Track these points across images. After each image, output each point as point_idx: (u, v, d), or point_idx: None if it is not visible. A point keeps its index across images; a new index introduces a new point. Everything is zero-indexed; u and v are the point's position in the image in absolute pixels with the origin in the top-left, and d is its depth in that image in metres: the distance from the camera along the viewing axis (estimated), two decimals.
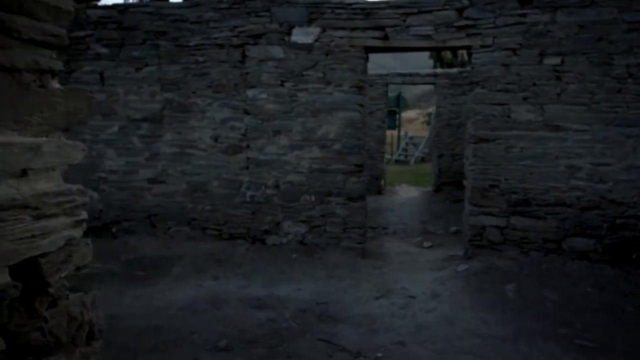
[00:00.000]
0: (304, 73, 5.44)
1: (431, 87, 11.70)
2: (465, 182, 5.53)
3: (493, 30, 5.01)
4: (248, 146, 5.65)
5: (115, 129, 5.96)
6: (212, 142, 5.74)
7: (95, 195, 6.07)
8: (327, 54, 5.40)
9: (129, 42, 5.82)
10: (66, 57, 5.96)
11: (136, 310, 4.19)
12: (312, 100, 5.45)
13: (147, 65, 5.81)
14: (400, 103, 20.33)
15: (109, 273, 5.16)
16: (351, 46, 5.36)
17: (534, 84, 4.95)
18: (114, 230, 6.05)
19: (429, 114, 31.38)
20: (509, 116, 5.03)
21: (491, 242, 5.08)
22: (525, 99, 4.98)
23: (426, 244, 6.40)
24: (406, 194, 11.11)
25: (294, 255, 5.30)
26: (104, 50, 5.89)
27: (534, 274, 4.50)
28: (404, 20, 5.18)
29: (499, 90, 5.04)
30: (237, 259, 5.32)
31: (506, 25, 4.99)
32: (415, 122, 35.63)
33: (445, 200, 9.71)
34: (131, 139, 5.93)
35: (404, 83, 11.50)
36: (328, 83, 5.42)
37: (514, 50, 4.98)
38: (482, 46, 5.05)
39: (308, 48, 5.41)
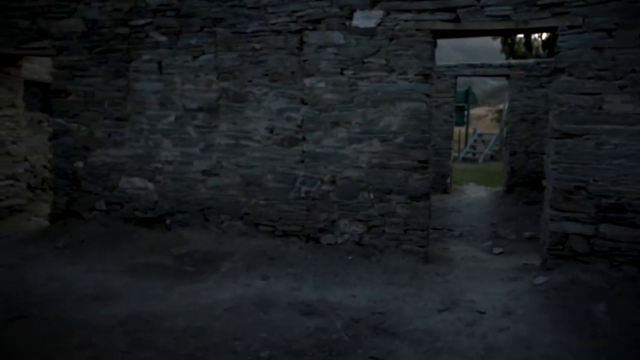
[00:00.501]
0: (365, 60, 5.03)
1: (502, 83, 10.92)
2: (544, 183, 4.90)
3: (584, 8, 4.36)
4: (304, 138, 5.32)
5: (172, 118, 5.83)
6: (267, 134, 5.46)
7: (151, 186, 5.98)
8: (390, 39, 4.95)
9: (187, 29, 5.66)
10: (127, 46, 5.91)
11: (181, 309, 3.98)
12: (373, 89, 5.02)
13: (204, 53, 5.62)
14: (469, 98, 19.32)
15: (160, 266, 5.03)
16: (417, 30, 4.88)
17: (633, 71, 4.25)
18: (168, 222, 5.94)
19: (499, 111, 29.87)
20: (600, 108, 4.36)
21: (575, 253, 4.44)
22: (621, 87, 4.29)
23: (496, 250, 5.80)
24: (474, 194, 10.40)
25: (350, 257, 4.92)
26: (162, 39, 5.76)
27: (628, 293, 3.85)
28: (478, 0, 4.63)
29: (589, 78, 4.38)
30: (289, 257, 5.01)
31: (599, 3, 4.31)
32: (484, 119, 34.11)
33: (518, 202, 8.95)
34: (187, 129, 5.78)
35: (474, 75, 10.75)
36: (391, 71, 4.97)
37: (609, 31, 4.30)
38: (570, 27, 4.40)
39: (370, 33, 4.99)
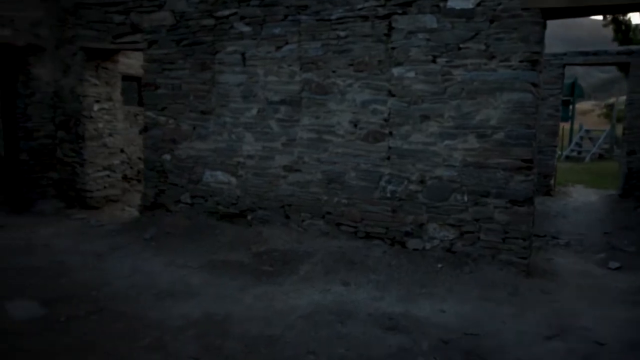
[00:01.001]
0: (461, 46, 4.50)
1: (612, 75, 9.63)
2: None
3: None
4: (390, 133, 4.90)
5: (254, 112, 5.67)
6: (351, 128, 5.11)
7: (233, 180, 5.89)
8: (491, 21, 4.37)
9: (271, 18, 5.45)
10: (212, 38, 5.84)
11: (254, 313, 3.76)
12: (469, 78, 4.48)
13: (287, 43, 5.39)
14: (575, 91, 17.59)
15: (238, 264, 4.88)
16: (524, 9, 4.26)
17: None
18: (249, 218, 5.81)
19: (609, 106, 27.07)
20: None
21: None
22: None
23: (613, 265, 5.01)
24: (582, 197, 9.32)
25: (439, 265, 4.44)
26: (246, 29, 5.62)
27: None
28: None
29: None
30: (371, 262, 4.64)
31: None
32: (590, 114, 31.18)
33: (637, 208, 7.83)
34: (269, 123, 5.59)
35: (585, 63, 9.63)
36: (491, 57, 4.39)
37: None
38: None
39: (468, 14, 4.44)
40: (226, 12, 5.71)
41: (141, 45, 6.35)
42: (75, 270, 4.84)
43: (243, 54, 5.67)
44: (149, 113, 6.43)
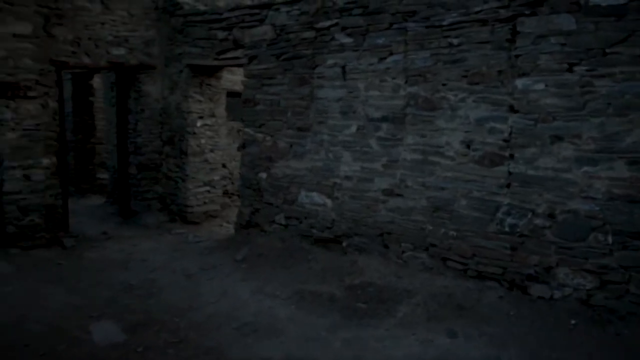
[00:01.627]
0: (607, 50, 3.63)
1: None
2: None
3: None
4: (511, 156, 4.14)
5: (353, 129, 5.21)
6: (463, 149, 4.42)
7: (329, 202, 5.46)
8: None
9: (374, 27, 4.97)
10: (311, 51, 5.51)
11: None
12: (618, 91, 3.60)
13: (391, 53, 4.87)
14: None
15: (329, 298, 4.42)
16: None
17: None
18: (344, 244, 5.33)
19: None
20: None
21: None
22: None
23: None
24: None
25: (573, 322, 3.58)
26: (347, 40, 5.19)
27: None
28: None
29: None
30: (484, 309, 3.90)
31: None
32: None
33: None
34: (369, 142, 5.09)
35: None
36: None
37: None
38: None
39: (618, 12, 3.58)
40: (327, 23, 5.34)
41: (242, 60, 6.22)
42: (165, 289, 4.72)
43: (343, 67, 5.25)
44: (247, 129, 6.26)
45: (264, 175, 6.09)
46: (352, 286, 4.59)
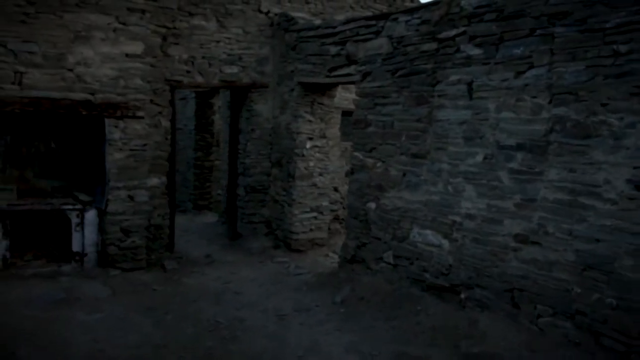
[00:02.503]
0: None
1: None
2: None
3: None
4: None
5: (479, 158, 4.30)
6: (630, 191, 3.31)
7: (445, 244, 4.59)
8: None
9: (510, 35, 4.05)
10: (432, 65, 4.73)
11: None
12: None
13: (532, 66, 3.91)
14: None
15: None
16: None
17: None
18: (462, 296, 4.42)
19: None
20: None
21: None
22: None
23: None
24: None
25: None
26: (475, 52, 4.33)
27: None
28: None
29: None
30: None
31: None
32: None
33: None
34: (498, 174, 4.15)
35: None
36: None
37: None
38: None
39: None
40: (452, 33, 4.53)
41: (355, 77, 5.64)
42: (251, 333, 4.24)
43: (469, 84, 4.39)
44: (356, 154, 5.64)
45: (372, 205, 5.41)
46: (469, 355, 3.68)
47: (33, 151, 5.32)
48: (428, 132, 4.78)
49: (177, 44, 6.20)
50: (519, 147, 3.99)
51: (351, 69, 5.73)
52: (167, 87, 6.18)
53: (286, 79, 6.72)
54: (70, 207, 5.07)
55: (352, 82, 5.77)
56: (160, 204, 6.22)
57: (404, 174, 5.03)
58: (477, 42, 4.31)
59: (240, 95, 7.06)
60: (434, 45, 4.72)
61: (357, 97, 5.63)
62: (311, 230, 6.87)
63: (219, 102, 9.22)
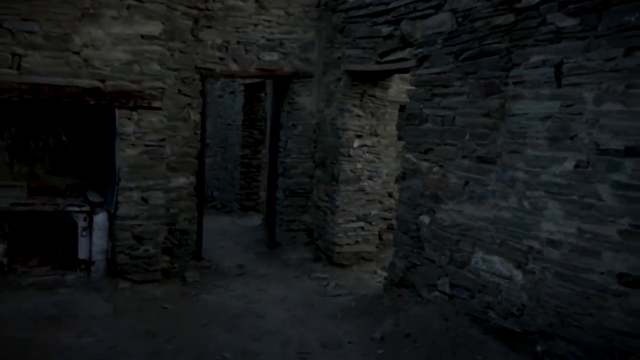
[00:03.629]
0: None
1: None
2: None
3: None
4: None
5: (569, 166, 3.19)
6: None
7: (518, 276, 3.51)
8: None
9: None
10: (507, 44, 3.66)
11: None
12: None
13: None
14: None
15: None
16: None
17: None
18: (539, 349, 3.33)
19: None
20: None
21: None
22: None
23: None
24: None
25: None
26: (568, 23, 3.21)
27: None
28: None
29: None
30: None
31: None
32: None
33: None
34: (595, 189, 3.03)
35: None
36: None
37: None
38: None
39: None
40: (535, 0, 3.44)
41: (409, 63, 4.65)
42: None
43: (558, 66, 3.28)
44: (408, 155, 4.65)
45: (426, 219, 4.41)
46: None
47: (41, 145, 4.82)
48: (499, 130, 3.71)
49: (209, 27, 5.50)
50: (629, 151, 2.85)
51: (406, 52, 4.75)
52: (197, 75, 5.50)
53: (332, 67, 5.83)
54: (76, 208, 4.50)
55: (406, 70, 4.78)
56: (187, 206, 5.57)
57: (466, 182, 3.99)
58: (571, 9, 3.19)
59: (282, 86, 6.27)
60: (510, 18, 3.64)
61: (411, 87, 4.64)
62: (357, 242, 5.94)
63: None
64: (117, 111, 4.43)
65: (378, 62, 5.12)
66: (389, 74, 5.49)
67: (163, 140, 4.72)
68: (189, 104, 5.47)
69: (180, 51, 5.34)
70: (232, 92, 9.38)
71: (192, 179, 5.57)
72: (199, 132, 5.58)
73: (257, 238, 7.06)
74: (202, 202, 5.83)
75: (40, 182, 4.82)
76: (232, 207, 9.24)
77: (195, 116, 5.53)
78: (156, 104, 4.58)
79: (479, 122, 3.88)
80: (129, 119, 4.51)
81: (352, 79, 5.61)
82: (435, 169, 4.33)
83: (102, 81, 4.38)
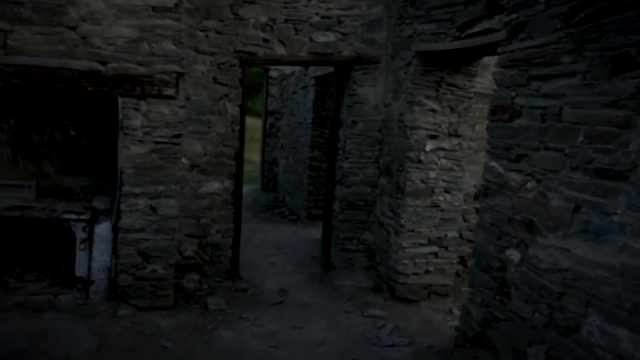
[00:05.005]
0: None
1: None
2: None
3: None
4: None
5: None
6: None
7: None
8: None
9: None
10: None
11: None
12: None
13: None
14: None
15: None
16: None
17: None
18: None
19: None
20: None
21: None
22: None
23: None
24: None
25: None
26: None
27: None
28: None
29: None
30: None
31: None
32: None
33: None
34: None
35: None
36: None
37: None
38: None
39: None
40: None
41: (498, 35, 3.33)
42: None
43: None
44: (493, 164, 3.34)
45: (515, 255, 3.08)
46: None
47: (47, 140, 4.23)
48: (633, 128, 2.32)
49: (251, 1, 4.59)
50: None
51: (494, 21, 3.44)
52: (236, 60, 4.62)
53: (402, 48, 4.63)
54: (74, 216, 3.82)
55: (493, 47, 3.45)
56: (221, 216, 4.71)
57: (578, 208, 2.61)
58: None
59: (342, 75, 5.18)
60: None
61: (498, 69, 3.32)
62: (427, 272, 4.68)
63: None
64: (120, 100, 3.66)
65: (457, 38, 3.84)
66: (472, 54, 4.15)
67: (178, 136, 3.88)
68: (226, 95, 4.61)
69: (217, 31, 4.51)
70: (304, 87, 8.47)
71: (228, 183, 4.71)
72: (237, 128, 4.70)
73: (315, 255, 6.05)
74: (239, 213, 4.93)
75: (50, 183, 4.23)
76: (299, 214, 8.33)
77: (232, 109, 4.65)
78: (169, 91, 3.74)
79: (601, 116, 2.49)
80: (136, 109, 3.72)
81: (425, 62, 4.37)
82: (530, 185, 2.98)
83: (103, 63, 3.64)
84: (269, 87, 10.35)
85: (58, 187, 4.23)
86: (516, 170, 3.10)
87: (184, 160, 4.54)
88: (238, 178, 4.80)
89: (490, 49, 3.65)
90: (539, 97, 2.93)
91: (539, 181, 2.91)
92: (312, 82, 7.93)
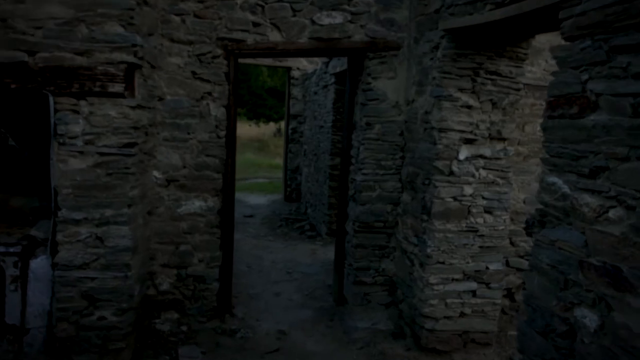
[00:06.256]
0: None
1: None
2: None
3: None
4: None
5: None
6: None
7: None
8: None
9: None
10: None
11: None
12: None
13: None
14: None
15: None
16: None
17: None
18: None
19: None
20: None
21: None
22: None
23: None
24: None
25: None
26: None
27: None
28: None
29: None
30: None
31: None
32: None
33: None
34: None
35: None
36: None
37: None
38: None
39: None
40: None
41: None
42: None
43: None
44: (553, 179, 2.31)
45: (590, 319, 2.04)
46: None
47: None
48: None
49: None
50: None
51: None
52: (221, 50, 3.75)
53: (427, 28, 3.63)
54: (2, 249, 3.03)
55: (552, 11, 2.40)
56: (205, 242, 3.84)
57: None
58: None
59: (355, 66, 4.22)
60: None
61: (560, 45, 2.28)
62: (462, 315, 3.63)
63: None
64: (51, 99, 2.85)
65: (499, 5, 2.81)
66: (520, 29, 3.09)
67: (130, 145, 3.02)
68: (209, 93, 3.75)
69: (195, 15, 3.66)
70: (324, 87, 7.54)
71: (213, 202, 3.83)
72: (222, 134, 3.82)
73: (329, 283, 5.10)
74: (231, 237, 4.03)
75: None
76: (320, 229, 7.39)
77: (217, 111, 3.78)
78: (116, 88, 2.89)
79: None
80: (74, 112, 2.90)
81: (458, 44, 3.35)
82: (614, 213, 1.94)
83: (30, 53, 2.83)
84: (291, 88, 9.48)
85: (4, 209, 3.47)
86: (591, 191, 2.05)
87: (156, 174, 3.71)
88: (227, 195, 3.92)
89: (546, 19, 2.61)
90: (628, 80, 1.89)
91: (629, 208, 1.87)
92: (332, 80, 7.00)
